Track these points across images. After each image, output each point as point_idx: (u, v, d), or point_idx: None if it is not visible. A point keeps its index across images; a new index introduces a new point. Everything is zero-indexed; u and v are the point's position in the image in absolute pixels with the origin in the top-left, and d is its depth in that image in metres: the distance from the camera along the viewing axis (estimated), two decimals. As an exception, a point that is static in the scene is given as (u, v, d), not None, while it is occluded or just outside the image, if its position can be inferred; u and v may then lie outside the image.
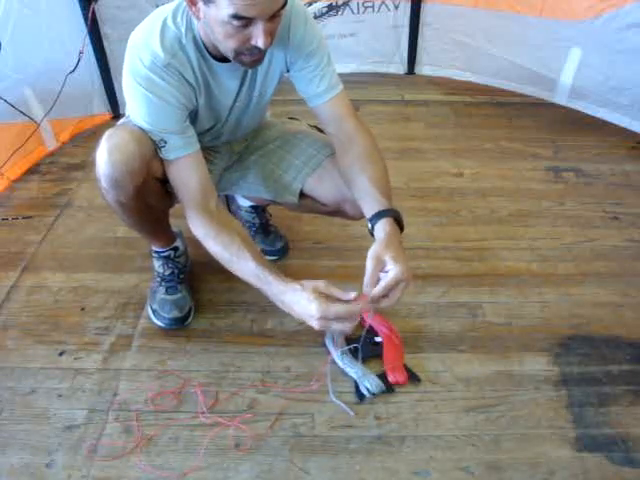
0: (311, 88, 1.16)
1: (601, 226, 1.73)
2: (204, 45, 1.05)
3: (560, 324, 1.38)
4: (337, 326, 0.98)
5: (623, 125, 2.17)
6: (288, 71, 1.18)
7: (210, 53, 1.07)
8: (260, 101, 1.22)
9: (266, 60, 1.12)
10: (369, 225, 1.08)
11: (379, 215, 1.06)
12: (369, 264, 0.99)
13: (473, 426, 1.15)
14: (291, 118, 1.43)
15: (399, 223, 1.08)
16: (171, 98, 1.03)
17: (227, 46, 0.97)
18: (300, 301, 0.98)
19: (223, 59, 1.07)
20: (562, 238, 1.67)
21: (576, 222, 1.74)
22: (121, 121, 1.19)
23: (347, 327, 0.98)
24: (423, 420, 1.16)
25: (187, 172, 1.09)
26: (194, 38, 1.04)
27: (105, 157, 1.05)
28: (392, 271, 0.98)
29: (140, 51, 1.01)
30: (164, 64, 1.01)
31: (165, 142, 1.05)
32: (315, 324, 0.97)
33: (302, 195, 1.30)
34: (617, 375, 1.25)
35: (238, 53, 0.98)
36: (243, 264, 1.05)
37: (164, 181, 1.15)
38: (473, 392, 1.22)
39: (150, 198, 1.18)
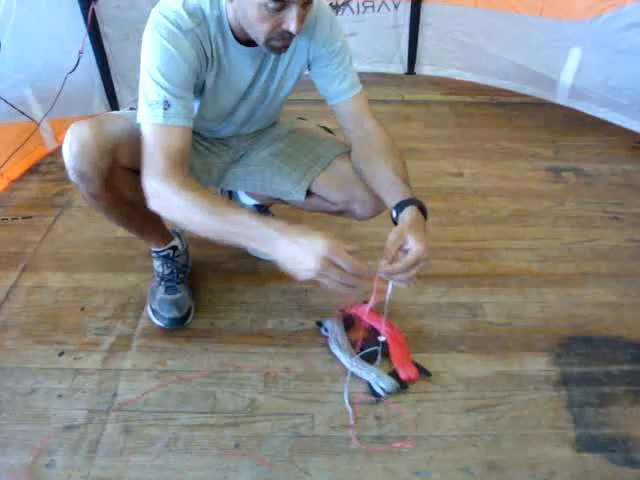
0: (333, 86, 1.18)
1: (601, 226, 1.73)
2: (230, 26, 1.05)
3: (560, 324, 1.38)
4: (334, 276, 0.90)
5: (623, 125, 2.17)
6: (309, 68, 1.19)
7: (235, 35, 1.07)
8: (277, 96, 1.23)
9: (288, 54, 1.13)
10: (393, 213, 1.09)
11: (404, 203, 1.07)
12: (391, 237, 1.00)
13: (473, 426, 1.15)
14: (299, 118, 1.43)
15: (423, 213, 1.09)
16: (189, 55, 1.02)
17: (259, 30, 0.98)
18: (310, 234, 0.91)
19: (247, 43, 1.08)
20: (562, 238, 1.67)
21: (576, 222, 1.74)
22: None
23: (341, 283, 0.90)
24: (423, 420, 1.16)
25: (177, 140, 1.02)
26: (219, 15, 1.04)
27: (67, 150, 1.07)
28: (413, 249, 0.99)
29: (166, 12, 1.01)
30: (188, 28, 1.01)
31: (169, 105, 1.00)
32: (314, 264, 0.89)
33: (309, 194, 1.30)
34: (617, 375, 1.25)
35: (269, 38, 0.99)
36: (230, 210, 0.98)
37: (135, 171, 1.09)
38: (473, 392, 1.22)
39: (123, 190, 1.16)
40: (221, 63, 1.10)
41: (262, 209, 1.58)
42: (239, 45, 1.08)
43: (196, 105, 1.15)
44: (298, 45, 1.13)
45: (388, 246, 0.99)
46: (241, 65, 1.12)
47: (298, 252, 0.91)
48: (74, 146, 1.06)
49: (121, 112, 1.21)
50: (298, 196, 1.30)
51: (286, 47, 1.04)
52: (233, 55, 1.10)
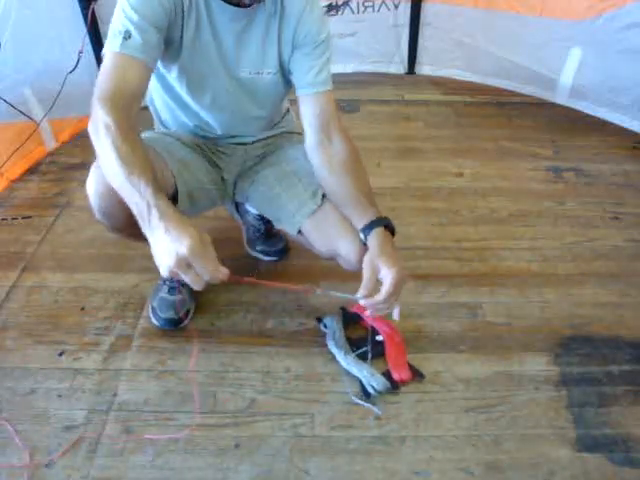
0: (308, 76, 1.16)
1: (601, 226, 1.73)
2: None
3: (560, 324, 1.38)
4: (191, 274, 0.86)
5: (623, 125, 2.18)
6: (292, 52, 1.16)
7: None
8: (261, 77, 1.19)
9: (273, 31, 1.12)
10: (362, 235, 1.11)
11: (370, 226, 1.09)
12: (365, 271, 1.05)
13: (473, 426, 1.15)
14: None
15: (391, 229, 1.12)
16: None
17: None
18: (181, 227, 0.86)
19: (231, 2, 1.07)
20: (562, 238, 1.67)
21: (576, 222, 1.74)
22: None
23: (200, 282, 0.87)
24: (423, 420, 1.16)
25: (131, 73, 1.00)
26: None
27: (92, 190, 1.07)
28: (388, 277, 1.02)
29: None
30: None
31: (129, 35, 0.99)
32: (174, 260, 0.84)
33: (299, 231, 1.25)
34: (617, 375, 1.25)
35: None
36: (140, 169, 0.91)
37: None
38: (473, 392, 1.22)
39: None
40: (200, 18, 1.08)
41: (265, 219, 1.56)
42: (221, 2, 1.07)
43: (175, 68, 1.13)
44: (285, 24, 1.12)
45: (365, 282, 1.03)
46: (221, 25, 1.10)
47: (163, 247, 0.86)
48: (100, 187, 1.05)
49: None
50: (290, 230, 1.26)
51: None
52: (214, 12, 1.08)
